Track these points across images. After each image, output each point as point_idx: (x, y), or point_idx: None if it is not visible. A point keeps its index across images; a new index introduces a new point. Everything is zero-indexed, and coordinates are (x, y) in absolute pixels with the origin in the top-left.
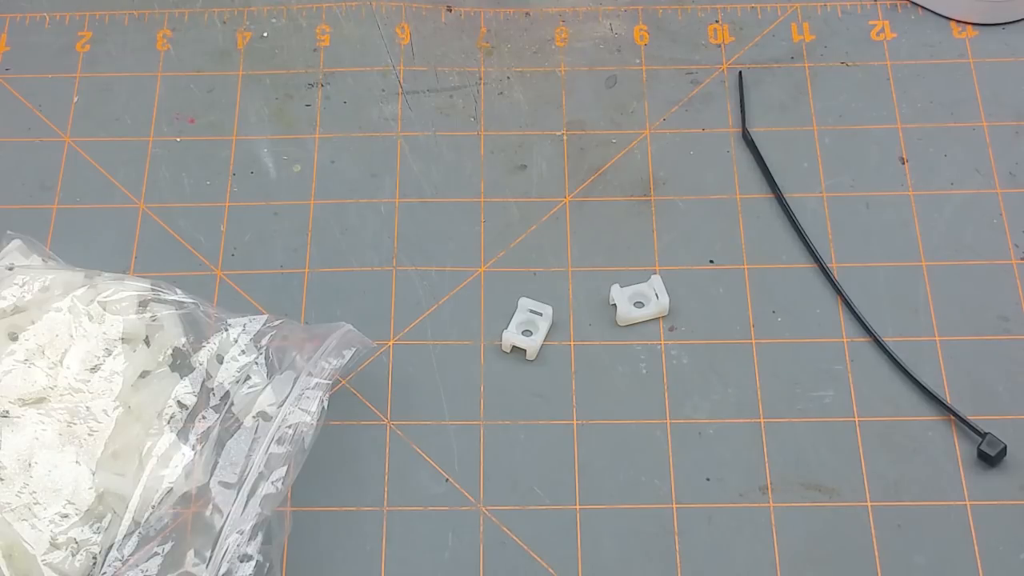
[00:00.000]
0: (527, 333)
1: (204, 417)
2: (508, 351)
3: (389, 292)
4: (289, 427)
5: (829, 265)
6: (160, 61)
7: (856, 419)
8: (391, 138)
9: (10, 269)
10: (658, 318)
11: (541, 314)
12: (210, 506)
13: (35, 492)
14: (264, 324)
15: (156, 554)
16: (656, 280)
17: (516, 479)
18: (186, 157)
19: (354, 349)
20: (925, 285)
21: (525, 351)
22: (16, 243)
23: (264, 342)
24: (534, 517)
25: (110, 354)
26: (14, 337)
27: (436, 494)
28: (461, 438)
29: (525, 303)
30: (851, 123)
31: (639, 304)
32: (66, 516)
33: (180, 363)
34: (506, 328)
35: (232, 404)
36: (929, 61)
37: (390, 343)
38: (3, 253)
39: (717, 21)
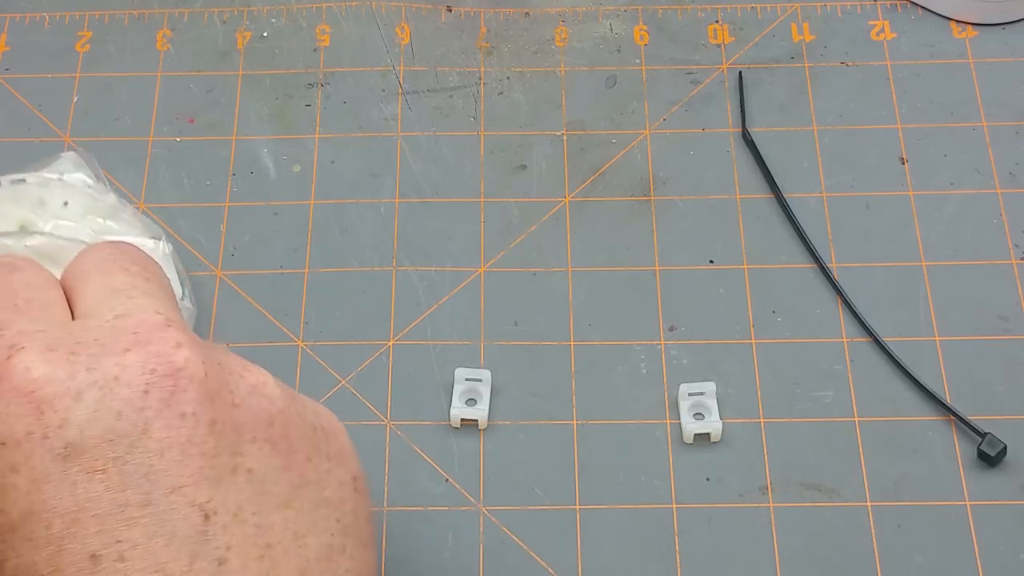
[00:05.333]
0: (471, 403)
1: None
2: (459, 426)
3: (389, 292)
4: None
5: (829, 265)
6: (160, 61)
7: (856, 419)
8: (391, 138)
9: (61, 179)
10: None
11: (480, 380)
12: None
13: None
14: None
15: None
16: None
17: (516, 479)
18: (186, 157)
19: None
20: (925, 285)
21: (476, 421)
22: (70, 155)
23: None
24: (534, 517)
25: None
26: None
27: (436, 494)
28: (461, 438)
29: (461, 373)
30: (851, 123)
31: (699, 416)
32: None
33: None
34: (451, 405)
35: None
36: (929, 61)
37: (390, 343)
38: (57, 163)
39: (717, 21)
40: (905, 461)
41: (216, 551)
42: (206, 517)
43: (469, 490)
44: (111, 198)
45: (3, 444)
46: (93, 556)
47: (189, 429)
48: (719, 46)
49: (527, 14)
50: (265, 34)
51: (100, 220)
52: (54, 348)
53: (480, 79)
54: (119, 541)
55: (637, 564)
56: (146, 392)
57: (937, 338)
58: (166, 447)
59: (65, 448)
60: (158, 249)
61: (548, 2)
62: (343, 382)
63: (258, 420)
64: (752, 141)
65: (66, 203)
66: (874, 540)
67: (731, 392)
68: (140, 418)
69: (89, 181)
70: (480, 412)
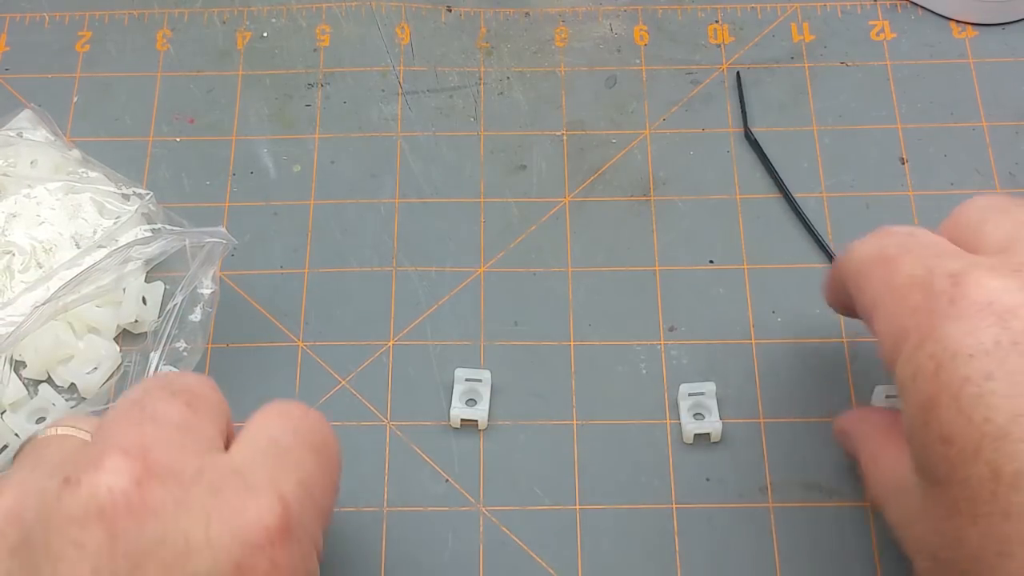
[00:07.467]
0: (471, 403)
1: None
2: (458, 426)
3: (389, 292)
4: None
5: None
6: (160, 61)
7: None
8: (391, 138)
9: (19, 136)
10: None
11: (480, 380)
12: None
13: None
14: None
15: None
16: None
17: (516, 479)
18: (186, 157)
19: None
20: None
21: (476, 422)
22: (27, 113)
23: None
24: (534, 517)
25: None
26: None
27: (436, 494)
28: (461, 438)
29: (461, 373)
30: (851, 123)
31: (699, 416)
32: None
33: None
34: (450, 405)
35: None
36: (929, 61)
37: (390, 343)
38: (14, 121)
39: (717, 21)
40: None
41: None
42: None
43: (469, 490)
44: (76, 152)
45: (972, 356)
46: None
47: None
48: (719, 46)
49: (527, 14)
50: (265, 34)
51: (70, 176)
52: (996, 268)
53: (480, 79)
54: None
55: (637, 564)
56: None
57: None
58: None
59: None
60: (141, 200)
61: (548, 2)
62: (343, 382)
63: None
64: (756, 141)
65: (33, 162)
66: (874, 540)
67: (731, 392)
68: None
69: (51, 137)
70: (480, 412)
